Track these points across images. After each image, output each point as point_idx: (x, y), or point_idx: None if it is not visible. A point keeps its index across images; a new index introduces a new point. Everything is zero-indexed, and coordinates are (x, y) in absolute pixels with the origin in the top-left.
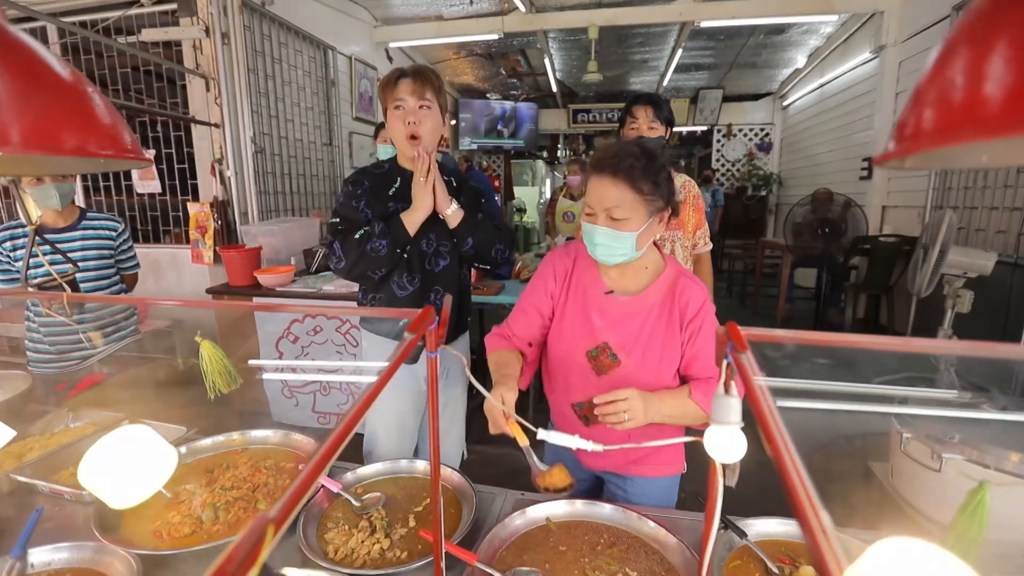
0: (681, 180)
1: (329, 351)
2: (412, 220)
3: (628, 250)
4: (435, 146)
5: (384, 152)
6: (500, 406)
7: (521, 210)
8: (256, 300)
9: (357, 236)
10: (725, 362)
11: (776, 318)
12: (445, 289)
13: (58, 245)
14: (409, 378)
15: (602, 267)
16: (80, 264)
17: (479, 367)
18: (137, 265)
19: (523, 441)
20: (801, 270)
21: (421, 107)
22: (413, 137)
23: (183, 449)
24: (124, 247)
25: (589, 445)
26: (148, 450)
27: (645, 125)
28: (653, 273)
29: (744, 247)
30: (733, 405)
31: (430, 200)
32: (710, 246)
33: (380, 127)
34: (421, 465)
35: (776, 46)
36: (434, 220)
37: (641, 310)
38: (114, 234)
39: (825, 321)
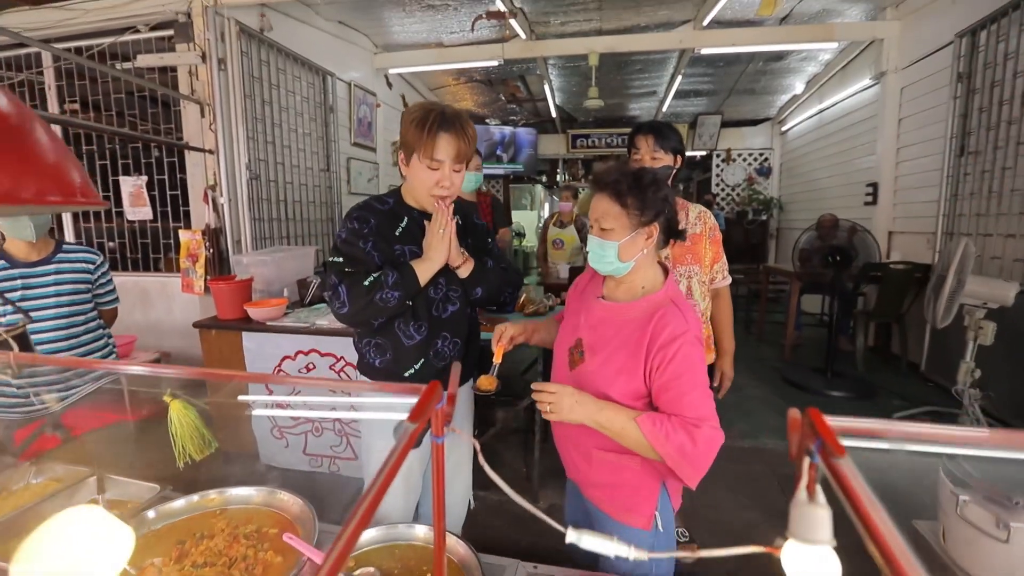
0: (696, 211)
1: (322, 390)
2: (425, 272)
3: (613, 259)
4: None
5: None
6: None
7: (520, 234)
8: (245, 335)
9: (367, 283)
10: (807, 461)
11: (784, 346)
12: (453, 335)
13: (31, 280)
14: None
15: (606, 278)
16: (41, 310)
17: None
18: (116, 300)
19: (496, 359)
20: (806, 296)
21: (456, 171)
22: (442, 198)
23: (152, 513)
24: (102, 280)
25: (626, 551)
26: (96, 536)
27: (647, 155)
28: (646, 293)
29: (746, 272)
30: (821, 518)
31: (445, 254)
32: (728, 280)
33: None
34: (421, 532)
35: (775, 73)
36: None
37: (617, 319)
38: (92, 267)
39: (836, 350)
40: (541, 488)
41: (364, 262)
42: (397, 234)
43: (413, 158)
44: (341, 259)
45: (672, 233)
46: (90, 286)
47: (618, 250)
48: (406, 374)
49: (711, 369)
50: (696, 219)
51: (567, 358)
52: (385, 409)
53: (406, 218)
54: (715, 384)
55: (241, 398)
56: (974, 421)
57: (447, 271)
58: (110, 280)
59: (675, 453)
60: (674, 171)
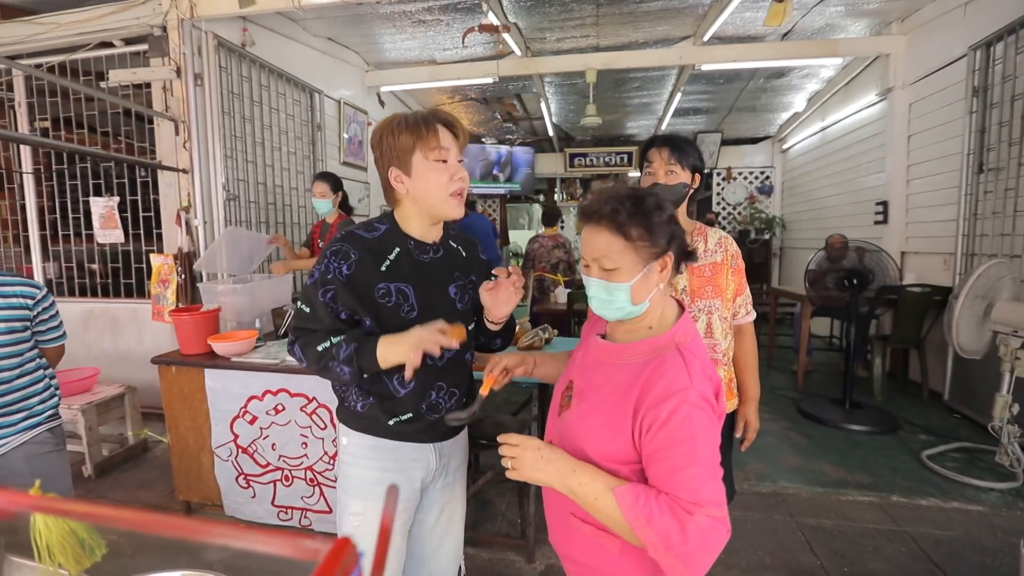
0: (716, 236)
1: (293, 433)
2: (390, 357)
3: (624, 303)
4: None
5: (322, 207)
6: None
7: (518, 255)
8: (208, 373)
9: (320, 349)
10: None
11: (796, 373)
12: (451, 384)
13: None
14: (398, 478)
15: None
16: None
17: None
18: (62, 336)
19: (482, 391)
20: (816, 319)
21: (460, 160)
22: (459, 194)
23: None
24: (43, 316)
25: None
26: None
27: (662, 170)
28: (650, 334)
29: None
30: None
31: (421, 349)
32: (753, 316)
33: (320, 177)
34: None
35: (776, 90)
36: (439, 301)
37: (611, 363)
38: (30, 302)
39: (852, 376)
40: (538, 545)
41: (321, 319)
42: (383, 268)
43: (414, 161)
44: (308, 309)
45: (684, 256)
46: (28, 323)
47: (630, 293)
48: (391, 423)
49: (732, 417)
50: (716, 246)
51: (559, 401)
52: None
53: (397, 249)
54: (738, 434)
55: (216, 448)
56: (1014, 461)
57: (445, 311)
58: (55, 315)
59: (659, 542)
60: (690, 190)
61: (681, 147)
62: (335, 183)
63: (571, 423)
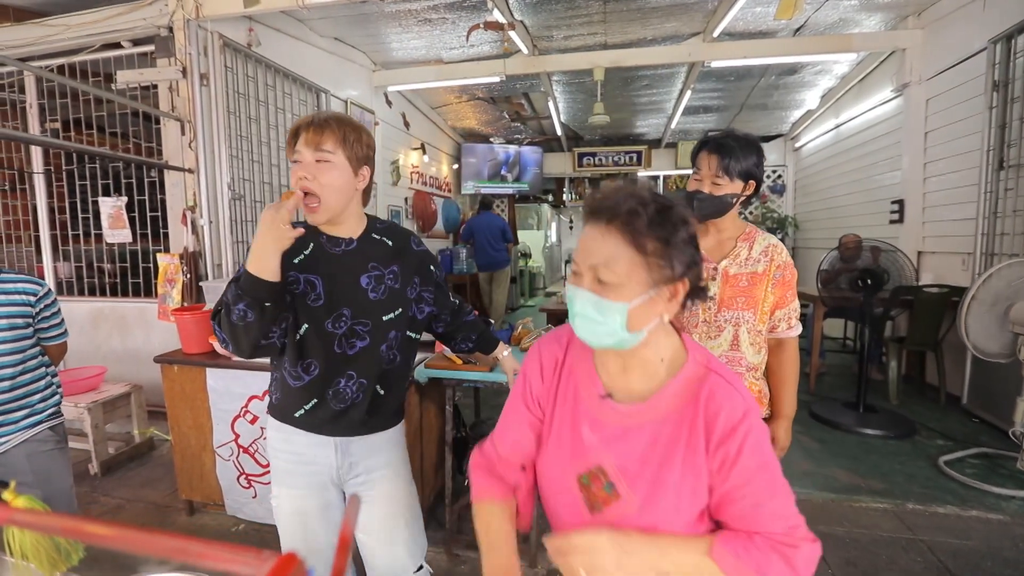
0: (764, 244)
1: None
2: (255, 262)
3: (616, 328)
4: (346, 205)
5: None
6: None
7: (526, 255)
8: (210, 372)
9: (221, 310)
10: None
11: (808, 376)
12: (360, 374)
13: None
14: (302, 469)
15: (599, 358)
16: None
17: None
18: (63, 334)
19: None
20: (829, 320)
21: (319, 161)
22: (306, 194)
23: None
24: (46, 314)
25: None
26: None
27: (708, 179)
28: (670, 369)
29: None
30: None
31: (272, 232)
32: (798, 330)
33: None
34: None
35: (788, 87)
36: (348, 291)
37: (650, 423)
38: (32, 299)
39: (867, 378)
40: (540, 549)
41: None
42: (296, 261)
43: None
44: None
45: (696, 291)
46: (30, 320)
47: (626, 317)
48: (296, 414)
49: None
50: (761, 254)
51: (579, 495)
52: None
53: (311, 244)
54: None
55: (218, 448)
56: None
57: (355, 299)
58: (56, 313)
59: None
60: (738, 199)
61: (733, 154)
62: None
63: (638, 510)
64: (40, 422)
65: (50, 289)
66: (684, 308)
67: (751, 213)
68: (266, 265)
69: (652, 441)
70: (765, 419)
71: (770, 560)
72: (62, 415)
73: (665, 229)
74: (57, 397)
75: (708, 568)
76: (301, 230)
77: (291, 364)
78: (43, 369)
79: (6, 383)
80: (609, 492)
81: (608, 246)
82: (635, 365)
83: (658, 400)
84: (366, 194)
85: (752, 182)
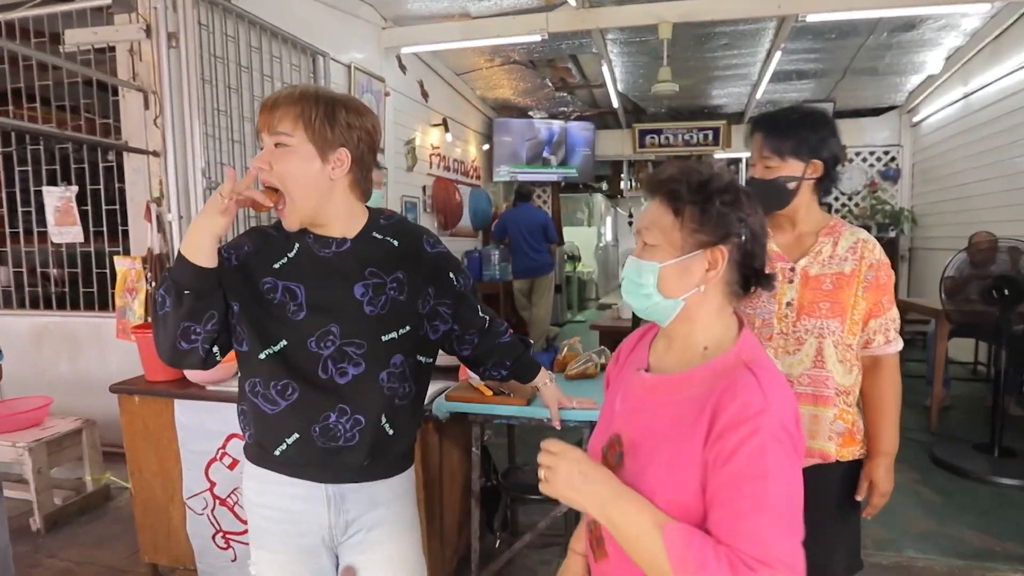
0: (852, 239)
1: None
2: (191, 239)
3: (650, 289)
4: (320, 201)
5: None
6: None
7: (574, 257)
8: (178, 405)
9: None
10: None
11: (929, 409)
12: (356, 410)
13: None
14: (288, 528)
15: (656, 339)
16: None
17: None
18: None
19: None
20: (954, 340)
21: (278, 146)
22: (272, 189)
23: None
24: None
25: None
26: None
27: (759, 163)
28: (708, 356)
29: None
30: None
31: (214, 209)
32: (899, 345)
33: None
34: None
35: (903, 47)
36: (337, 302)
37: (668, 399)
38: None
39: (1003, 414)
40: None
41: None
42: (277, 266)
43: None
44: None
45: (751, 273)
46: None
47: (658, 276)
48: (276, 452)
49: (855, 470)
50: (848, 252)
51: (601, 463)
52: None
53: (297, 245)
54: (860, 496)
55: (188, 499)
56: None
57: (341, 314)
58: None
59: None
60: (798, 182)
61: (782, 130)
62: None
63: (633, 478)
64: None
65: None
66: (746, 294)
67: (857, 205)
68: (198, 245)
69: (664, 419)
70: (859, 460)
71: (720, 569)
72: None
73: (702, 193)
74: None
75: (652, 540)
76: (241, 199)
77: (264, 384)
78: None
79: None
80: (618, 462)
81: (651, 212)
82: (677, 346)
83: (683, 380)
84: (358, 185)
85: (817, 161)
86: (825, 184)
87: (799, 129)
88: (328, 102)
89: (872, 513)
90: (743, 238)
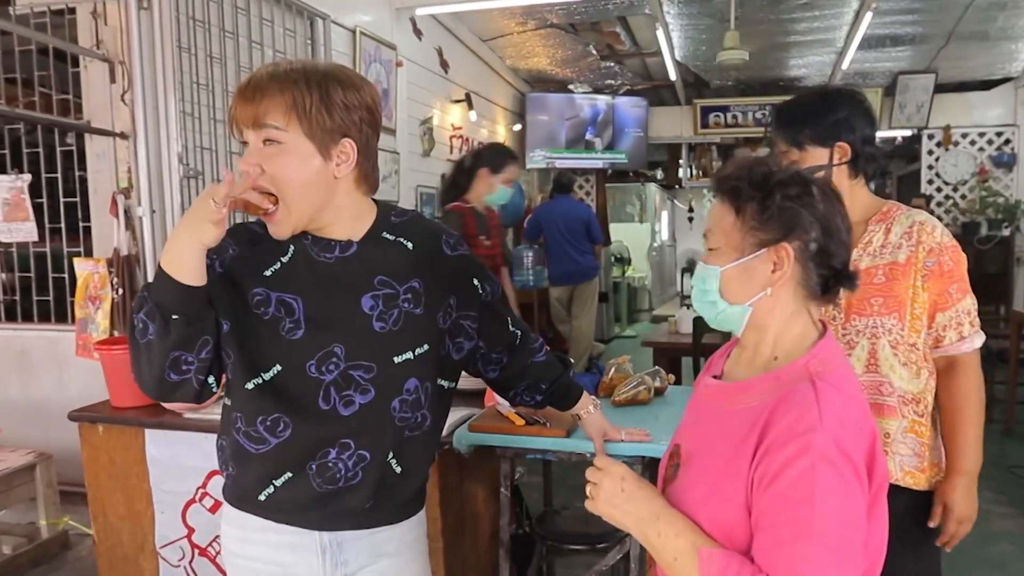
0: (907, 222)
1: None
2: (171, 251)
3: (713, 295)
4: (321, 203)
5: (502, 196)
6: None
7: (622, 260)
8: (149, 436)
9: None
10: None
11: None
12: (361, 444)
13: None
14: None
15: (736, 347)
16: None
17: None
18: None
19: None
20: None
21: (268, 142)
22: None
23: None
24: None
25: None
26: None
27: (783, 159)
28: (779, 364)
29: (981, 318)
30: None
31: (199, 220)
32: (977, 341)
33: (502, 157)
34: None
35: (1020, 6)
36: (342, 318)
37: (724, 407)
38: None
39: None
40: None
41: None
42: (268, 273)
43: None
44: None
45: (830, 273)
46: None
47: (719, 281)
48: (261, 496)
49: (927, 498)
50: (902, 238)
51: (663, 474)
52: None
53: (292, 248)
54: (934, 523)
55: (161, 549)
56: None
57: (349, 331)
58: None
59: None
60: (827, 170)
61: (794, 117)
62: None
63: (679, 492)
64: None
65: None
66: (825, 297)
67: (963, 198)
68: (184, 260)
69: (718, 430)
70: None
71: None
72: None
73: (763, 188)
74: None
75: (687, 564)
76: (231, 205)
77: (245, 420)
78: None
79: None
80: (674, 472)
81: (715, 213)
82: (747, 356)
83: (742, 388)
84: (366, 178)
85: (842, 144)
86: (862, 166)
87: (811, 114)
88: (320, 81)
89: (951, 544)
90: (812, 234)
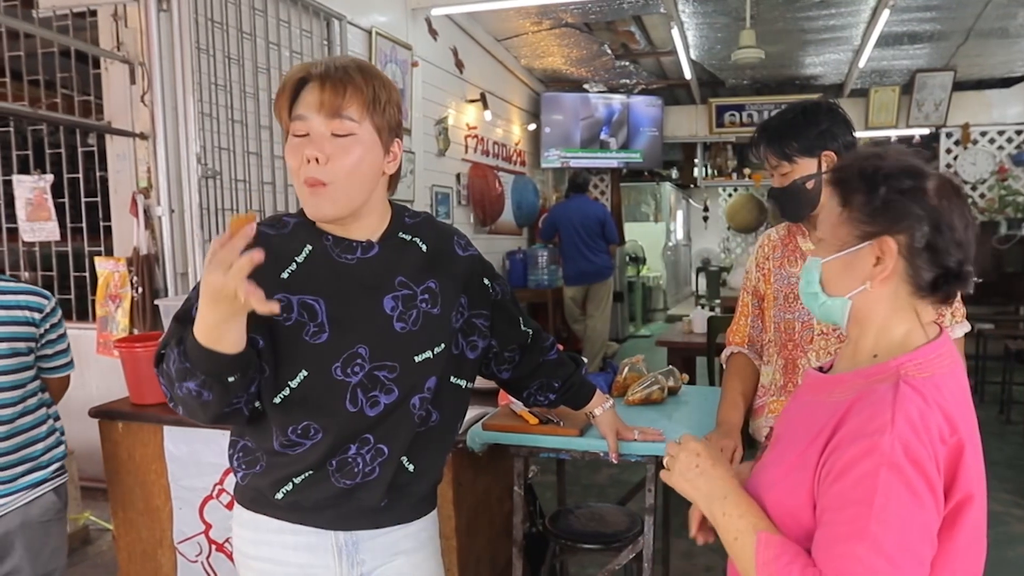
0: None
1: None
2: (204, 321)
3: (815, 288)
4: (368, 198)
5: None
6: None
7: (637, 260)
8: (168, 433)
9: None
10: None
11: None
12: (381, 440)
13: None
14: None
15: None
16: None
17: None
18: (70, 364)
19: None
20: None
21: (338, 135)
22: (315, 184)
23: None
24: (51, 336)
25: None
26: None
27: (775, 174)
28: (876, 362)
29: (998, 318)
30: None
31: (220, 290)
32: (963, 328)
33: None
34: None
35: None
36: (365, 320)
37: (813, 398)
38: (38, 316)
39: None
40: None
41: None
42: (285, 275)
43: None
44: (176, 324)
45: (941, 272)
46: (33, 344)
47: (821, 272)
48: (277, 496)
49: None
50: None
51: (759, 453)
52: None
53: (308, 247)
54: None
55: (179, 544)
56: None
57: (372, 331)
58: (63, 336)
59: None
60: (816, 179)
61: (778, 131)
62: None
63: (756, 476)
64: (43, 480)
65: (57, 303)
66: (934, 296)
67: (982, 197)
68: (223, 338)
69: (802, 418)
70: None
71: None
72: (66, 472)
73: (871, 180)
74: (62, 448)
75: (745, 544)
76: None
77: (279, 431)
78: (44, 410)
79: (4, 427)
80: (762, 453)
81: (826, 206)
82: (848, 351)
83: (833, 382)
84: (394, 178)
85: (828, 152)
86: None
87: (796, 129)
88: (387, 83)
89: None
90: (921, 229)
